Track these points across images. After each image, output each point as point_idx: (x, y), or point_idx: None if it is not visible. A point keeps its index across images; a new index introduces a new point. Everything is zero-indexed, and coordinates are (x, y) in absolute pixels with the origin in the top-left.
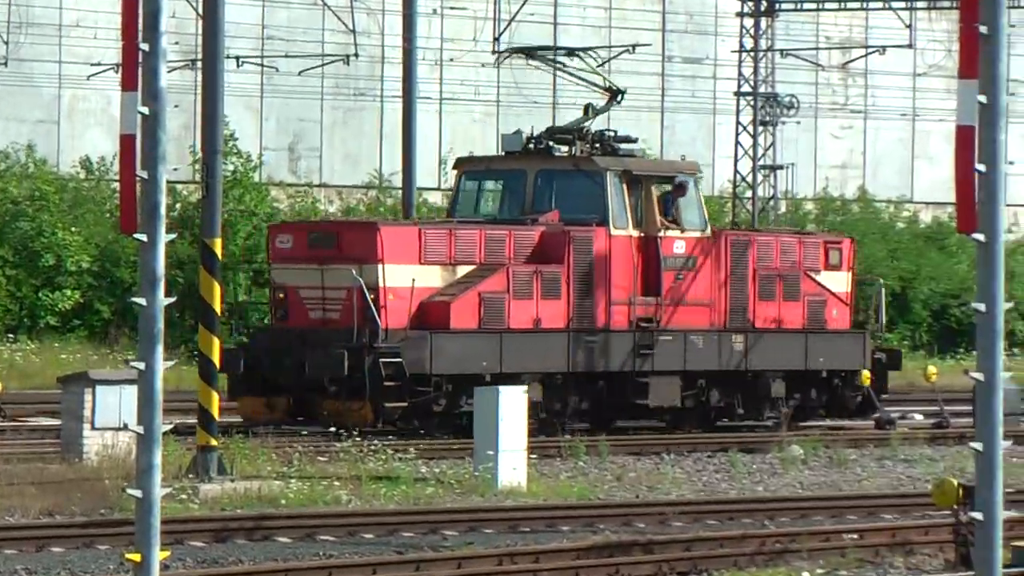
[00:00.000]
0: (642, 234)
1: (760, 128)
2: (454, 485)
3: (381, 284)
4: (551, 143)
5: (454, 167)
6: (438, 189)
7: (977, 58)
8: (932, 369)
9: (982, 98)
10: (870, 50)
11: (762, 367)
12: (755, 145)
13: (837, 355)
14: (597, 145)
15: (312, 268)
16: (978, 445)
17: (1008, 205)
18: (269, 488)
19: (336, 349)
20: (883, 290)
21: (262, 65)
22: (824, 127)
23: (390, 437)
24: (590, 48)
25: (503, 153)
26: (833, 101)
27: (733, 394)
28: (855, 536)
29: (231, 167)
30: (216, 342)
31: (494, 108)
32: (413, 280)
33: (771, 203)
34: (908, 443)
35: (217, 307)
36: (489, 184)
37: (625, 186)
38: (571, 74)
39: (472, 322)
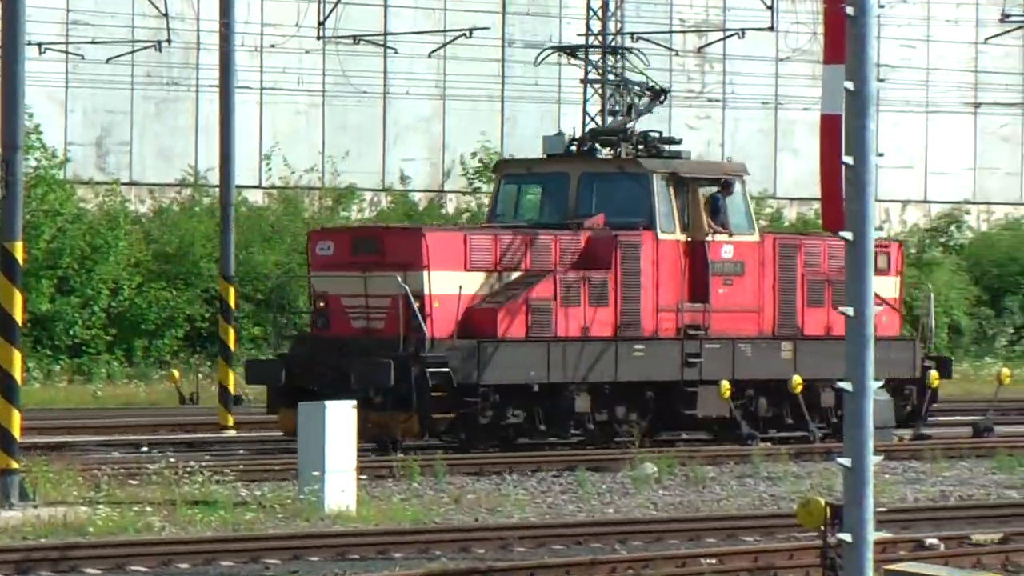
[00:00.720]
0: (689, 238)
1: (609, 119)
2: (277, 509)
3: (427, 291)
4: (595, 145)
5: (493, 169)
6: (259, 187)
7: (843, 41)
8: (1005, 371)
9: (849, 84)
10: (728, 33)
11: (811, 376)
12: None
13: (887, 363)
14: (641, 147)
15: (355, 276)
16: (846, 461)
17: (878, 200)
18: (76, 514)
19: (382, 359)
20: (932, 296)
21: (67, 52)
22: (679, 117)
23: (439, 451)
24: (632, 48)
25: (545, 156)
26: (689, 89)
27: (781, 404)
28: (713, 561)
29: (33, 163)
30: (17, 355)
31: (319, 98)
32: (460, 287)
33: None
34: (771, 459)
35: (18, 317)
36: (530, 187)
37: (672, 189)
38: (615, 75)
39: (520, 330)
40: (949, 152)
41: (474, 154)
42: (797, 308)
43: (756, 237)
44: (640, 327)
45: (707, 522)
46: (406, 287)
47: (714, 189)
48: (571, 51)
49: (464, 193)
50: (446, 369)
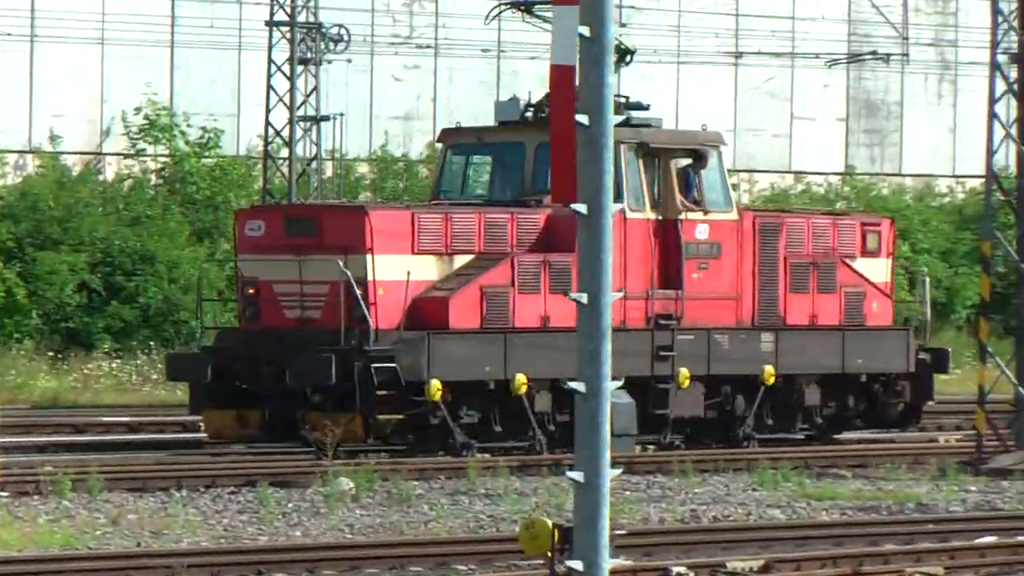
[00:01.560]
0: (660, 217)
1: (300, 68)
2: None
3: (370, 277)
4: None
5: (439, 139)
6: None
7: None
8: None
9: (584, 29)
10: None
11: (794, 371)
12: (292, 90)
13: (878, 356)
14: None
15: (288, 259)
16: (577, 475)
17: None
18: None
19: (322, 353)
20: (927, 281)
21: None
22: (383, 67)
23: (379, 455)
24: None
25: (497, 123)
26: (395, 34)
27: (762, 403)
28: None
29: None
30: None
31: None
32: (408, 273)
33: (313, 165)
34: (490, 473)
35: None
36: (479, 159)
37: (641, 161)
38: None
39: (473, 321)
40: (705, 110)
41: (138, 109)
42: (779, 295)
43: (734, 215)
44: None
45: (412, 547)
46: (347, 272)
47: (686, 161)
48: (525, 8)
49: (126, 156)
50: (392, 364)
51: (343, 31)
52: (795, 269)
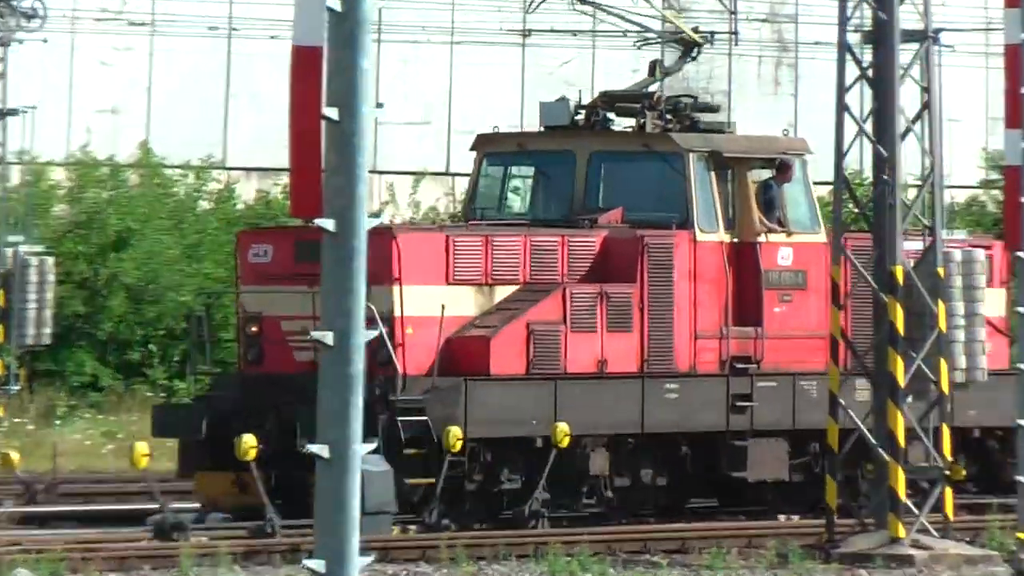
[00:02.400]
0: (735, 239)
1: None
2: None
3: (397, 313)
4: (608, 115)
5: (472, 147)
6: None
7: None
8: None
9: (333, 2)
10: None
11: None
12: None
13: (995, 407)
14: (671, 117)
15: (300, 291)
16: (318, 564)
17: (380, 172)
18: None
19: None
20: None
21: None
22: (87, 48)
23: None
24: None
25: (542, 128)
26: (103, 8)
27: (855, 463)
28: None
29: None
30: None
31: None
32: (443, 307)
33: None
34: (209, 559)
35: None
36: (521, 170)
37: (713, 173)
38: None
39: (519, 365)
40: (485, 100)
41: None
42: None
43: (822, 237)
44: (673, 359)
45: None
46: (371, 307)
47: (767, 173)
48: None
49: None
50: (424, 418)
51: (38, 4)
52: None
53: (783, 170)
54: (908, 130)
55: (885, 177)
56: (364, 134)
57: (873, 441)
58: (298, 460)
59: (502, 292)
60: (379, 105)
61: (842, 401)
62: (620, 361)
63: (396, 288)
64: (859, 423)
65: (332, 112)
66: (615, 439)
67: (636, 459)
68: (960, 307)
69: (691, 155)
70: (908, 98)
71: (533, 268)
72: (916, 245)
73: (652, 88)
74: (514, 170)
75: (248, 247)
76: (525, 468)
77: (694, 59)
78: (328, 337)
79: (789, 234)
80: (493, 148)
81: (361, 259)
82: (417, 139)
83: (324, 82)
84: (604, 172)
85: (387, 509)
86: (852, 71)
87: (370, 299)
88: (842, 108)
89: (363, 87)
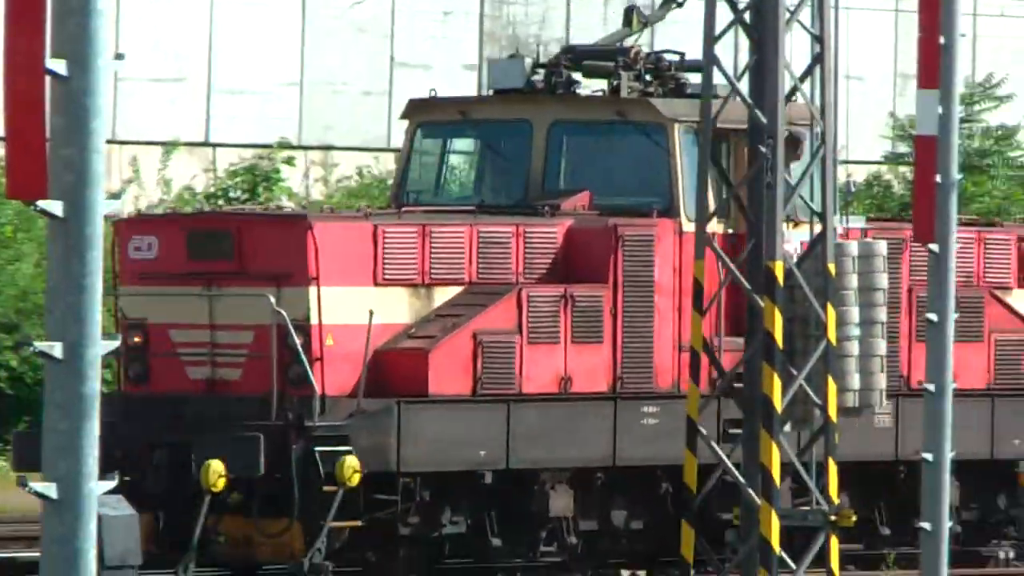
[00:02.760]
0: (730, 230)
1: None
2: None
3: (314, 320)
4: (573, 75)
5: (404, 115)
6: None
7: None
8: None
9: None
10: None
11: (911, 455)
12: None
13: None
14: (651, 78)
15: (193, 293)
16: None
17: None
18: None
19: (246, 432)
20: None
21: None
22: None
23: None
24: None
25: (490, 92)
26: None
27: (874, 501)
28: None
29: None
30: None
31: None
32: (371, 313)
33: None
34: None
35: None
36: (464, 144)
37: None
38: None
39: (464, 383)
40: (256, 53)
41: None
42: (900, 343)
43: (835, 224)
44: (652, 376)
45: None
46: (282, 312)
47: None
48: None
49: None
50: (348, 448)
51: None
52: (923, 306)
53: (791, 144)
54: (794, 90)
55: (763, 150)
56: (100, 93)
57: (741, 480)
58: (193, 502)
59: (442, 295)
60: (119, 56)
61: (703, 430)
62: (587, 379)
63: (313, 290)
64: (723, 456)
65: (58, 65)
66: (580, 474)
67: (606, 498)
68: (855, 313)
69: (677, 126)
70: (796, 50)
71: (481, 265)
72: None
73: (630, 41)
74: (456, 144)
75: (128, 240)
76: (471, 508)
77: (679, 5)
78: (56, 348)
79: (794, 223)
80: (429, 117)
81: (97, 250)
82: (168, 101)
83: (48, 29)
84: (568, 146)
85: (130, 562)
86: (724, 15)
87: (281, 304)
88: (710, 62)
89: (99, 34)
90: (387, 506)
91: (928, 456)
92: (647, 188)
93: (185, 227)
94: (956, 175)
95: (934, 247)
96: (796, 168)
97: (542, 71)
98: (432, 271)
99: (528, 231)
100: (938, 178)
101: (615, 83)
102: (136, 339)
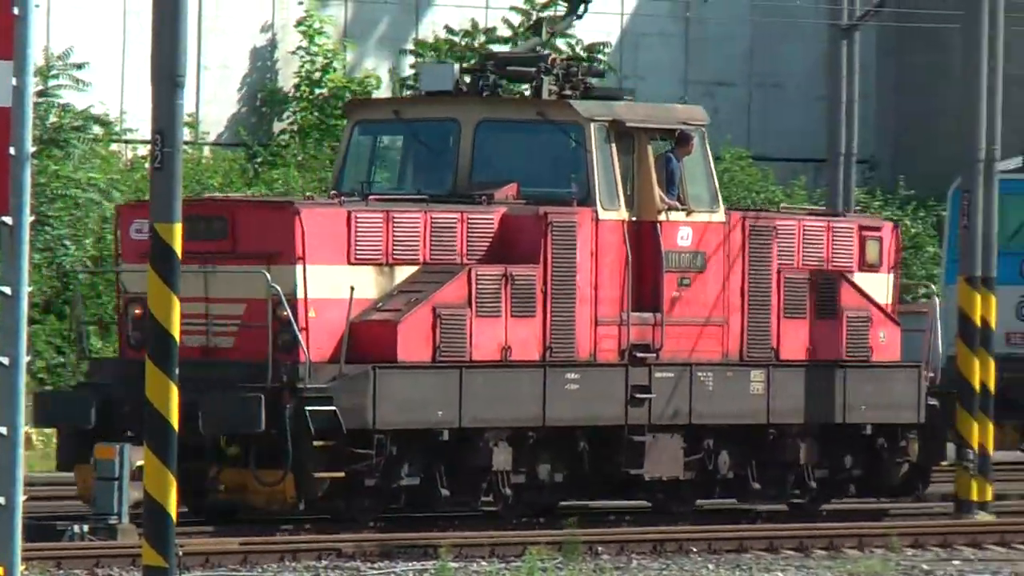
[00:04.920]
0: (635, 217)
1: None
2: None
3: (300, 295)
4: (499, 79)
5: (343, 113)
6: None
7: None
8: None
9: None
10: None
11: (787, 420)
12: None
13: (886, 402)
14: (566, 83)
15: (190, 271)
16: None
17: None
18: None
19: (249, 392)
20: (938, 306)
21: None
22: None
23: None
24: None
25: (422, 93)
26: None
27: (747, 460)
28: None
29: None
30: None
31: None
32: (352, 289)
33: None
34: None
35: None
36: (397, 140)
37: (613, 145)
38: None
39: (425, 351)
40: None
41: None
42: (772, 320)
43: (721, 216)
44: (575, 347)
45: None
46: (278, 288)
47: (666, 145)
48: None
49: None
50: (332, 408)
51: None
52: (790, 287)
53: (683, 142)
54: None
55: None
56: None
57: None
58: (197, 452)
59: (402, 273)
60: None
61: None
62: (523, 348)
63: (300, 268)
64: None
65: None
66: (516, 432)
67: (535, 454)
68: None
69: (592, 125)
70: None
71: (432, 247)
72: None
73: (544, 50)
74: (390, 140)
75: (130, 222)
76: (425, 463)
77: (579, 17)
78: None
79: (688, 212)
80: (366, 115)
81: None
82: None
83: None
84: (494, 143)
85: None
86: None
87: (273, 279)
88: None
89: None
90: (364, 459)
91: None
92: (566, 180)
93: (184, 212)
94: (30, 148)
95: (7, 219)
96: (688, 161)
97: (470, 74)
98: (394, 252)
99: (470, 217)
100: (12, 151)
101: (536, 86)
102: (137, 311)
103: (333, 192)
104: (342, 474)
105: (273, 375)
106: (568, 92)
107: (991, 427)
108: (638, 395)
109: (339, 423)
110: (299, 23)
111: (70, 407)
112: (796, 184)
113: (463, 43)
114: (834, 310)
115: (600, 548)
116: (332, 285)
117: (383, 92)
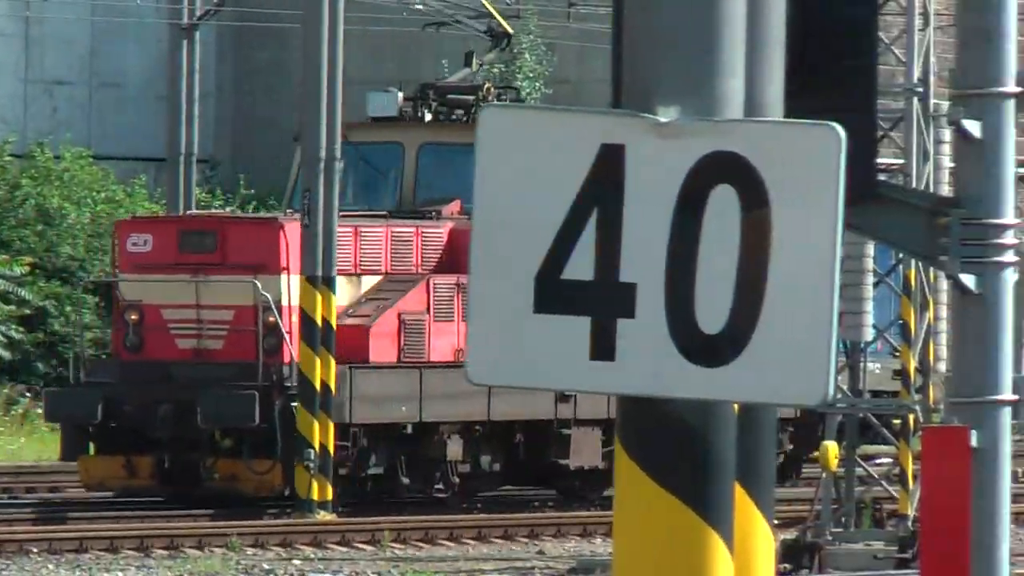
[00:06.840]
0: None
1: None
2: None
3: (285, 302)
4: (440, 107)
5: (295, 137)
6: None
7: None
8: None
9: None
10: None
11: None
12: None
13: None
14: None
15: (183, 280)
16: None
17: None
18: None
19: (244, 391)
20: None
21: None
22: None
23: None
24: None
25: (368, 119)
26: None
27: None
28: None
29: None
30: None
31: None
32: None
33: None
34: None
35: None
36: (346, 162)
37: None
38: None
39: (392, 353)
40: None
41: None
42: None
43: None
44: None
45: None
46: (267, 295)
47: None
48: None
49: None
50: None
51: None
52: None
53: None
54: None
55: None
56: None
57: None
58: (192, 443)
59: (368, 282)
60: None
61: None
62: None
63: (284, 277)
64: None
65: None
66: (465, 427)
67: (478, 446)
68: None
69: None
70: None
71: (393, 259)
72: None
73: (478, 80)
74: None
75: (127, 236)
76: (388, 453)
77: (503, 50)
78: None
79: None
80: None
81: None
82: None
83: None
84: (436, 164)
85: None
86: None
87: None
88: None
89: None
90: (341, 451)
91: None
92: None
93: (177, 227)
94: None
95: None
96: None
97: (413, 102)
98: (361, 263)
99: (424, 231)
100: None
101: (473, 112)
102: (133, 317)
103: (289, 210)
104: None
105: (264, 374)
106: None
107: (332, 426)
108: (566, 393)
109: None
110: None
111: (77, 404)
112: (137, 183)
113: None
114: None
115: None
116: None
117: None
